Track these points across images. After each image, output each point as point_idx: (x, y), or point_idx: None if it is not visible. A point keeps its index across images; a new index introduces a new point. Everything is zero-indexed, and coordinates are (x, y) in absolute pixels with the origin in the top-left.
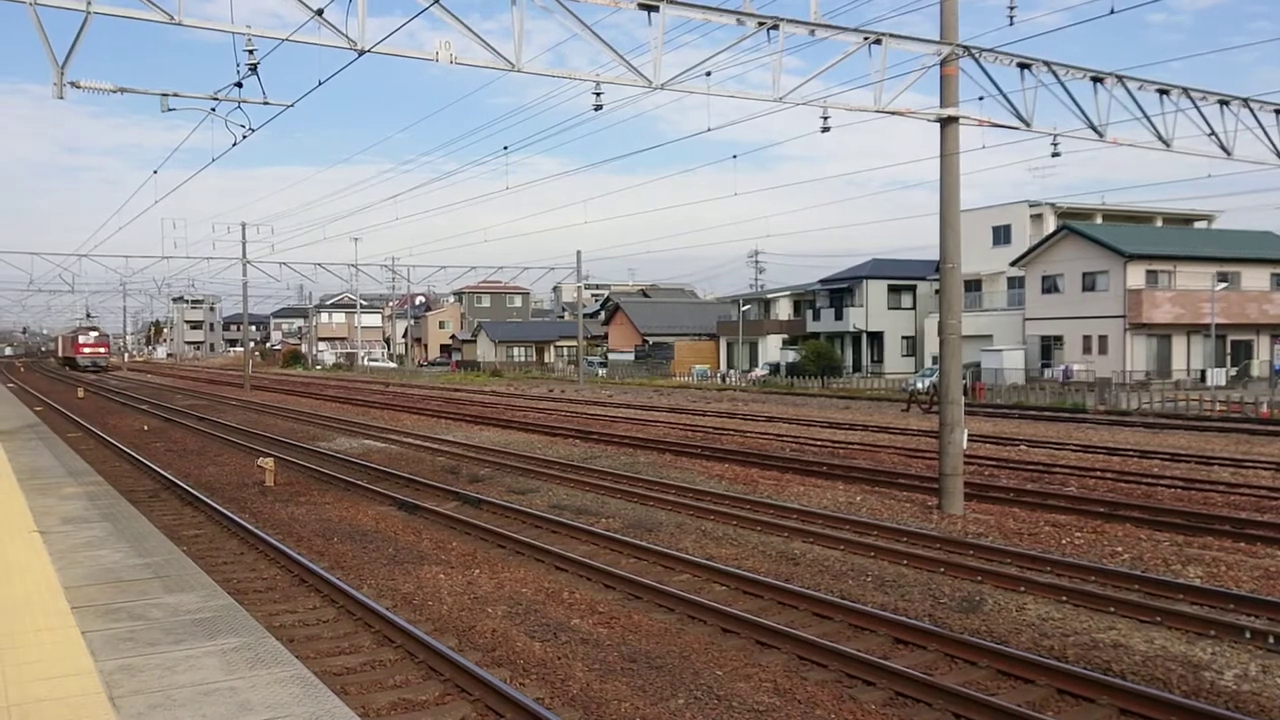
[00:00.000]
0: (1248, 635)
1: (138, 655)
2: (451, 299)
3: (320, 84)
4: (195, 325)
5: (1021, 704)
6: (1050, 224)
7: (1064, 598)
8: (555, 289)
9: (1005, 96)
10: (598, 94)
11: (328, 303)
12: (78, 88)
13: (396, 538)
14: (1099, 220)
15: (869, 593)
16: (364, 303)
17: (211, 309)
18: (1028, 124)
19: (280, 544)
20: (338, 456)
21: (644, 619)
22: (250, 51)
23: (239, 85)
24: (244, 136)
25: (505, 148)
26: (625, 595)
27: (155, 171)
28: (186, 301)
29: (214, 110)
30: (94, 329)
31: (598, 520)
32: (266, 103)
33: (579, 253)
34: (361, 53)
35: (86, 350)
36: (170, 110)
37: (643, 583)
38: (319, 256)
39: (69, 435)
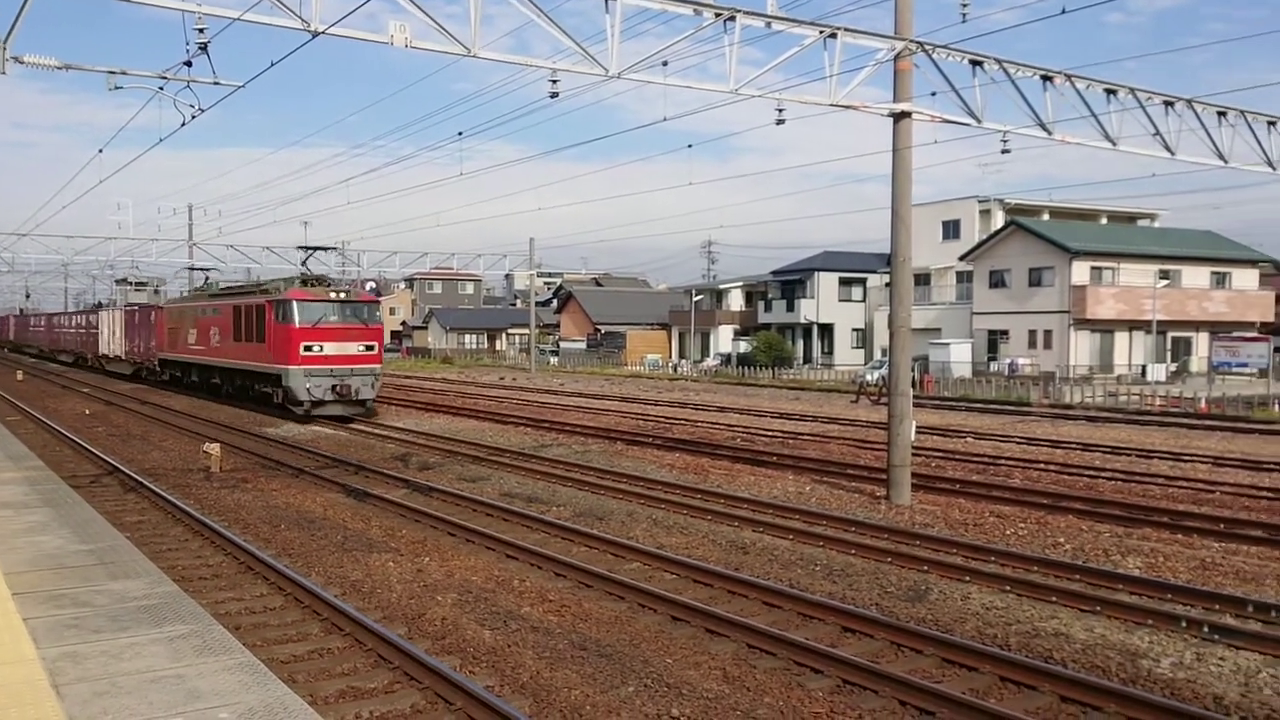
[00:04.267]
0: (1183, 624)
1: (82, 643)
2: (403, 285)
3: (273, 65)
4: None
5: (965, 691)
6: (998, 220)
7: (1008, 587)
8: (508, 276)
9: (957, 93)
10: (554, 81)
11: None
12: (21, 63)
13: (345, 525)
14: (1046, 217)
15: (818, 582)
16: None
17: (156, 292)
18: (979, 120)
19: (226, 531)
20: (285, 443)
21: (594, 607)
22: (200, 30)
23: (188, 64)
24: (193, 117)
25: (460, 133)
26: (576, 584)
27: (100, 150)
28: (130, 284)
29: (162, 89)
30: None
31: (549, 508)
32: (217, 83)
33: (532, 240)
34: (315, 34)
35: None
36: (117, 89)
37: (593, 571)
38: (268, 240)
39: (8, 419)
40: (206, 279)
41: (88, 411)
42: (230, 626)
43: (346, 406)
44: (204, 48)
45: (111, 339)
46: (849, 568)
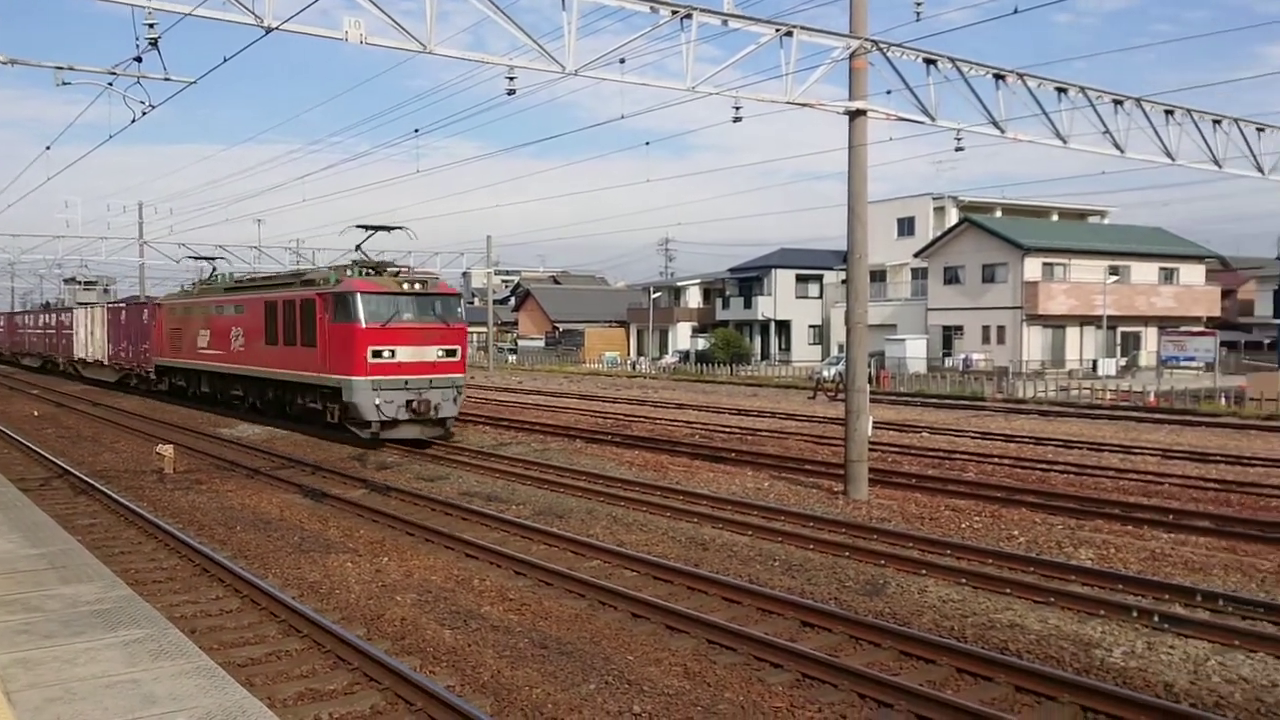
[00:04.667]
0: (1135, 614)
1: (35, 648)
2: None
3: (225, 60)
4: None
5: (923, 684)
6: (952, 217)
7: (963, 580)
8: (465, 274)
9: (912, 91)
10: (511, 78)
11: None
12: None
13: (302, 526)
14: (999, 214)
15: (777, 577)
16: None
17: (106, 291)
18: (933, 118)
19: (181, 533)
20: (240, 443)
21: (555, 605)
22: (151, 25)
23: (138, 60)
24: (144, 113)
25: (416, 130)
26: (536, 582)
27: (48, 148)
28: (79, 283)
29: (111, 85)
30: None
31: (508, 507)
32: (168, 79)
33: (489, 238)
34: (269, 30)
35: None
36: (64, 84)
37: (553, 569)
38: (221, 238)
39: None
40: (214, 270)
41: (36, 413)
42: (186, 630)
43: (424, 428)
44: (154, 43)
45: (90, 341)
46: (807, 562)
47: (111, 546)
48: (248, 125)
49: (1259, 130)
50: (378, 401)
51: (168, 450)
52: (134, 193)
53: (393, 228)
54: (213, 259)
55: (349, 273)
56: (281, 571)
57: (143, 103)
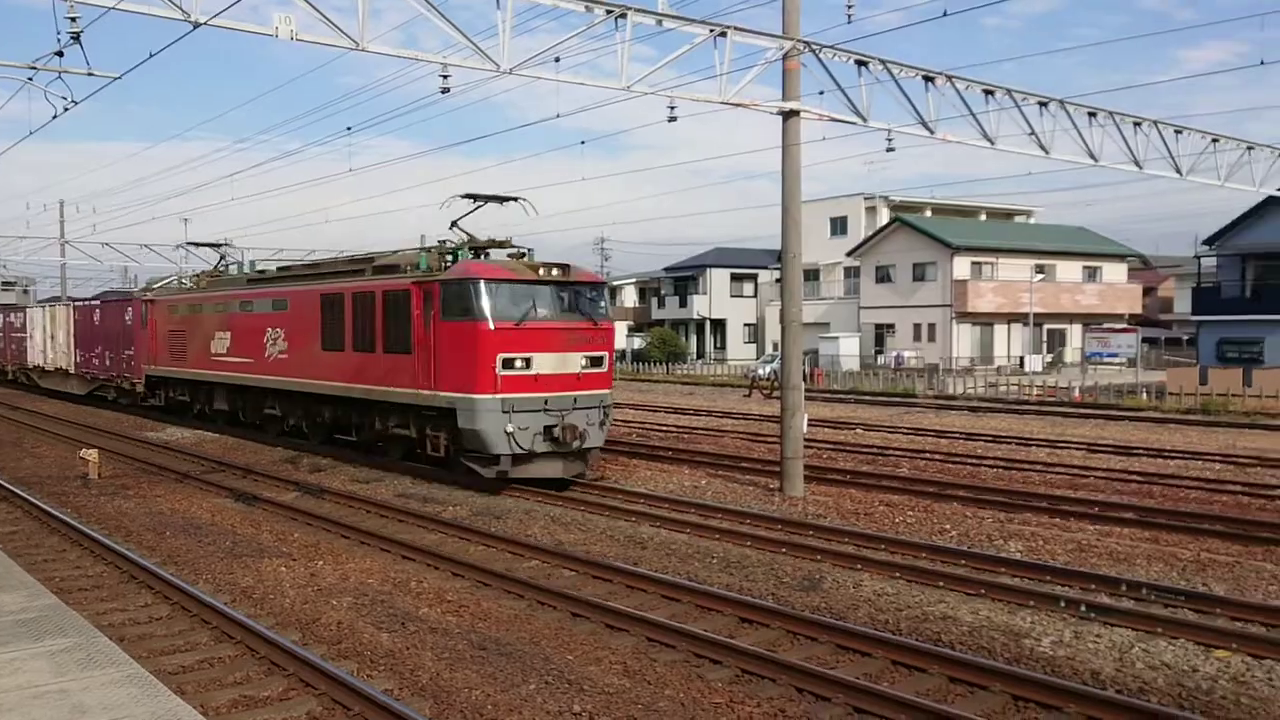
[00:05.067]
0: (1062, 604)
1: None
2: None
3: (151, 56)
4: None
5: (859, 676)
6: (884, 216)
7: (897, 574)
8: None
9: (844, 92)
10: (445, 77)
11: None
12: None
13: (234, 530)
14: (929, 214)
15: (715, 574)
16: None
17: (25, 291)
18: (864, 119)
19: (107, 539)
20: (169, 447)
21: (493, 606)
22: (73, 19)
23: (60, 55)
24: (65, 109)
25: (349, 128)
26: (474, 583)
27: None
28: None
29: (31, 80)
30: None
31: (445, 508)
32: (91, 74)
33: (423, 237)
34: (196, 25)
35: None
36: None
37: (492, 570)
38: (146, 237)
39: None
40: (222, 260)
41: None
42: (115, 638)
43: (567, 463)
44: (77, 37)
45: (49, 346)
46: (745, 559)
47: (34, 554)
48: (174, 122)
49: (1177, 132)
50: (510, 428)
51: (92, 455)
52: (55, 190)
53: (507, 198)
54: (219, 245)
55: (463, 254)
56: (213, 577)
57: (65, 98)
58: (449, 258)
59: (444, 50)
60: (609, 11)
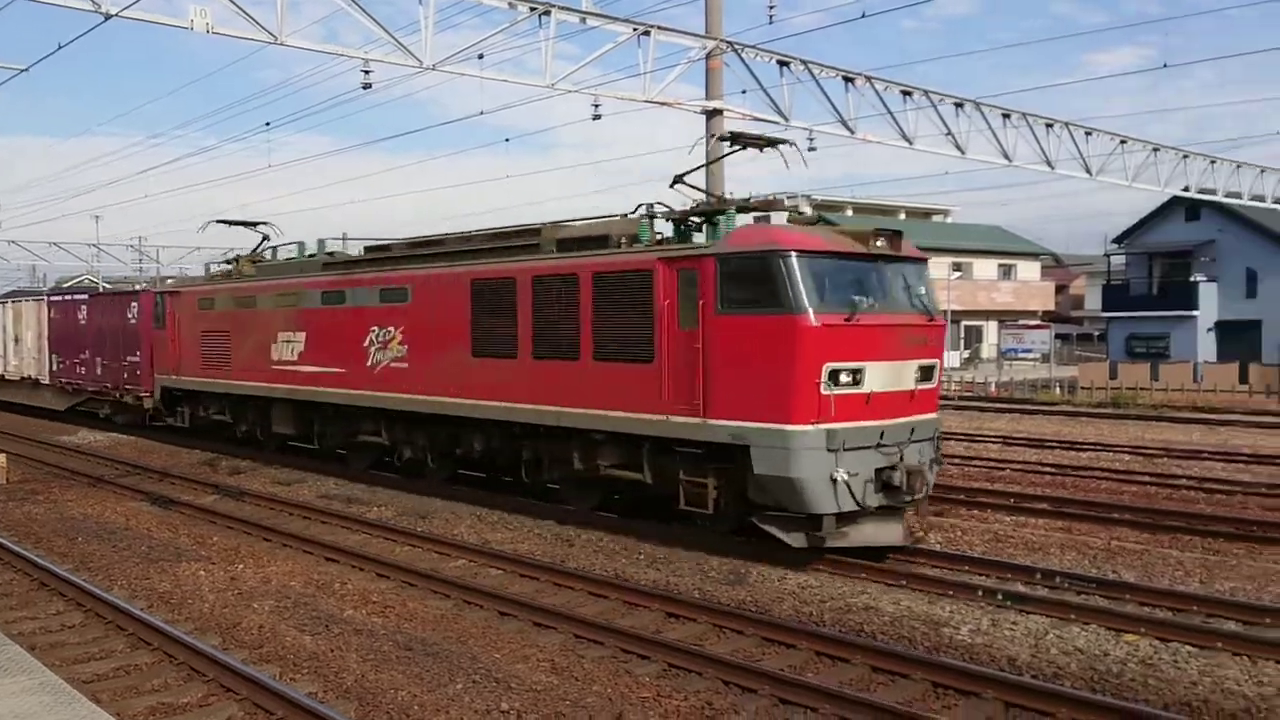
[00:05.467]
0: (980, 594)
1: None
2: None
3: (60, 48)
4: None
5: (784, 668)
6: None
7: (820, 566)
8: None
9: (766, 91)
10: (367, 72)
11: (65, 285)
12: None
13: (151, 534)
14: (850, 213)
15: (642, 571)
16: (107, 285)
17: None
18: (786, 119)
19: (16, 545)
20: (82, 451)
21: (419, 606)
22: None
23: None
24: None
25: (267, 124)
26: (400, 583)
27: None
28: None
29: None
30: None
31: (369, 509)
32: None
33: (345, 235)
34: (108, 16)
35: None
36: None
37: (417, 570)
38: (55, 235)
39: None
40: (265, 242)
41: None
42: (26, 647)
43: (893, 523)
44: None
45: (8, 350)
46: (672, 555)
47: None
48: (85, 116)
49: (1086, 134)
50: (840, 475)
51: None
52: None
53: (776, 141)
54: (255, 224)
55: (728, 220)
56: (129, 583)
57: None
58: (692, 224)
59: (366, 46)
60: (532, 9)
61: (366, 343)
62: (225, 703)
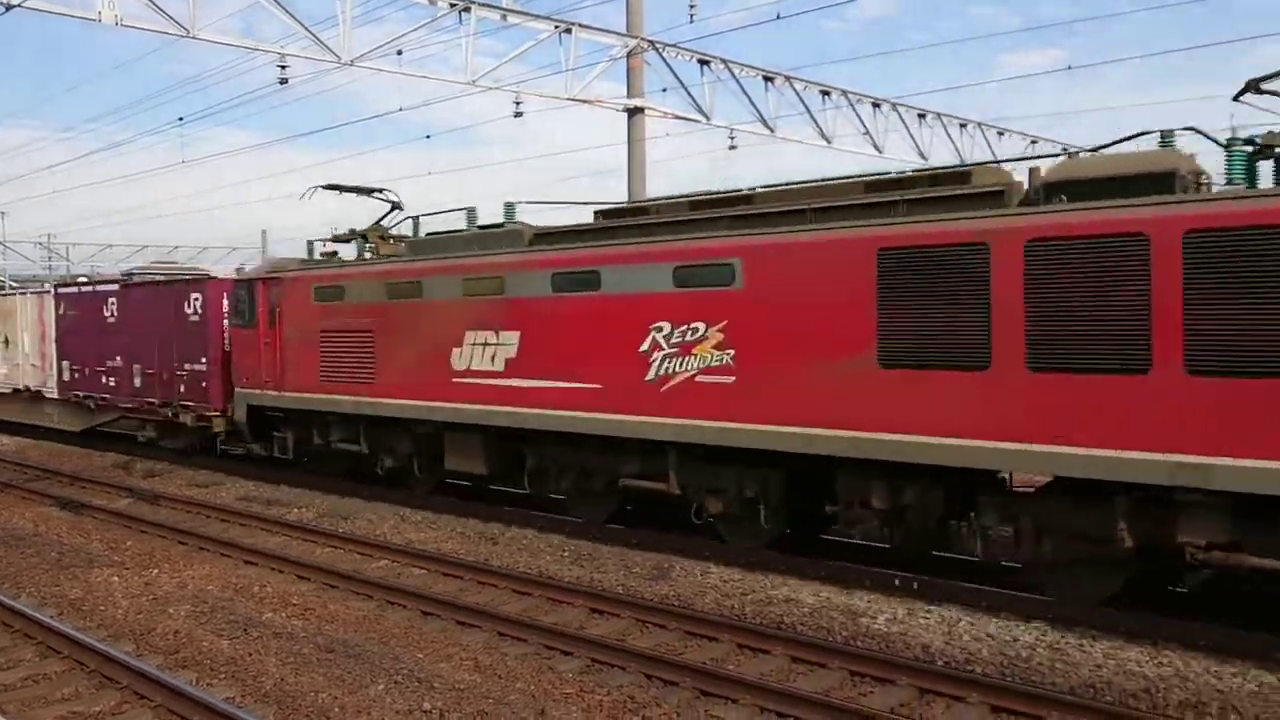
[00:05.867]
0: (896, 583)
1: None
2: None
3: None
4: None
5: (706, 661)
6: None
7: (743, 560)
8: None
9: (687, 90)
10: (284, 67)
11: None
12: None
13: (61, 540)
14: None
15: (565, 568)
16: (14, 285)
17: None
18: (707, 117)
19: None
20: None
21: (341, 608)
22: None
23: None
24: None
25: (181, 119)
26: (321, 585)
27: None
28: None
29: None
30: None
31: (290, 510)
32: None
33: (264, 232)
34: (9, 6)
35: None
36: None
37: (339, 571)
38: None
39: None
40: (395, 207)
41: None
42: None
43: None
44: None
45: (11, 352)
46: (596, 552)
47: None
48: None
49: (999, 134)
50: None
51: None
52: None
53: (368, 191)
54: (374, 190)
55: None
56: (38, 590)
57: None
58: None
59: (283, 40)
60: (453, 5)
61: (645, 346)
62: (139, 710)
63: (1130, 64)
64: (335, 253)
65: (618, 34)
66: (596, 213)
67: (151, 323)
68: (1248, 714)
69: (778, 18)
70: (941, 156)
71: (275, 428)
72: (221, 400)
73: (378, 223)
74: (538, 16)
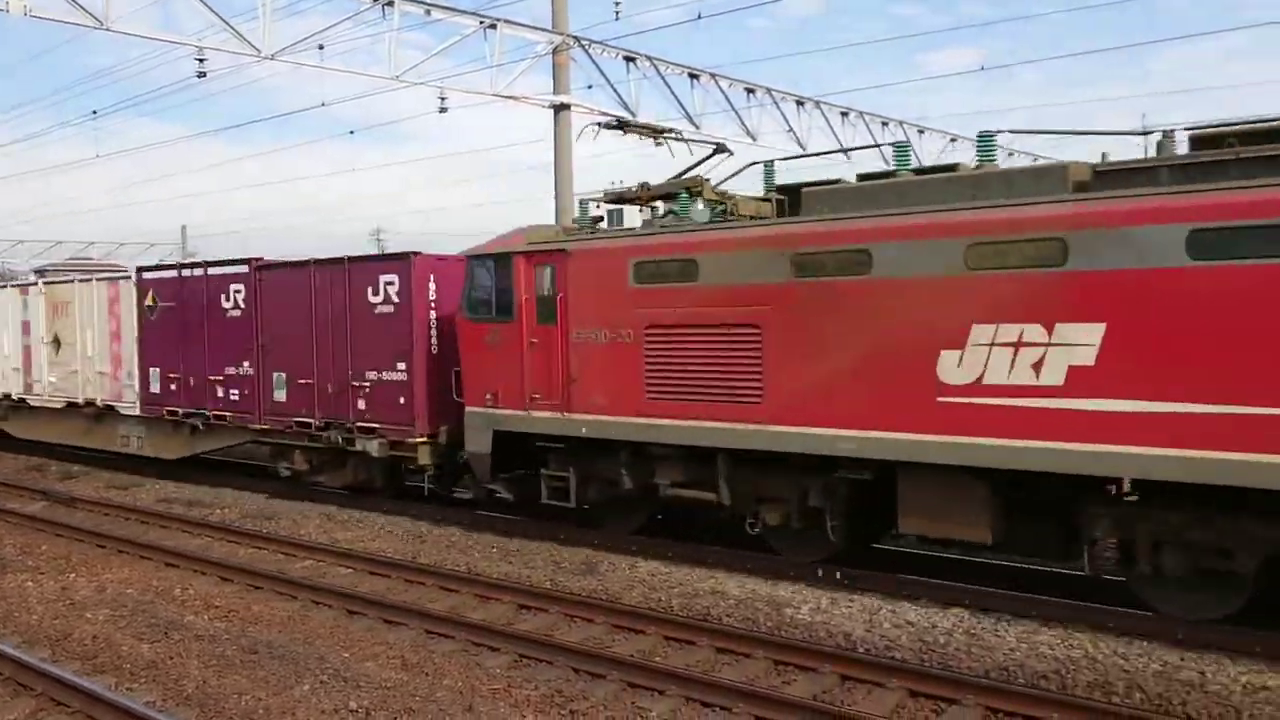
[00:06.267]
0: (820, 574)
1: None
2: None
3: None
4: None
5: (633, 654)
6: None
7: (670, 554)
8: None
9: (613, 87)
10: (201, 60)
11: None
12: None
13: None
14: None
15: (494, 564)
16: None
17: None
18: (633, 114)
19: None
20: None
21: (265, 609)
22: None
23: None
24: None
25: (94, 112)
26: (244, 586)
27: None
28: None
29: None
30: None
31: (212, 511)
32: None
33: (184, 228)
34: None
35: None
36: None
37: (263, 572)
38: None
39: None
40: (719, 149)
41: None
42: None
43: None
44: None
45: (48, 359)
46: (525, 548)
47: None
48: None
49: (920, 131)
50: None
51: None
52: None
53: None
54: (668, 132)
55: None
56: None
57: None
58: None
59: (202, 32)
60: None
61: None
62: (56, 716)
63: (1046, 64)
64: (602, 217)
65: (543, 30)
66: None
67: (309, 315)
68: (1151, 692)
69: (699, 17)
70: (863, 153)
71: (536, 462)
72: (430, 421)
73: (683, 173)
74: (462, 12)
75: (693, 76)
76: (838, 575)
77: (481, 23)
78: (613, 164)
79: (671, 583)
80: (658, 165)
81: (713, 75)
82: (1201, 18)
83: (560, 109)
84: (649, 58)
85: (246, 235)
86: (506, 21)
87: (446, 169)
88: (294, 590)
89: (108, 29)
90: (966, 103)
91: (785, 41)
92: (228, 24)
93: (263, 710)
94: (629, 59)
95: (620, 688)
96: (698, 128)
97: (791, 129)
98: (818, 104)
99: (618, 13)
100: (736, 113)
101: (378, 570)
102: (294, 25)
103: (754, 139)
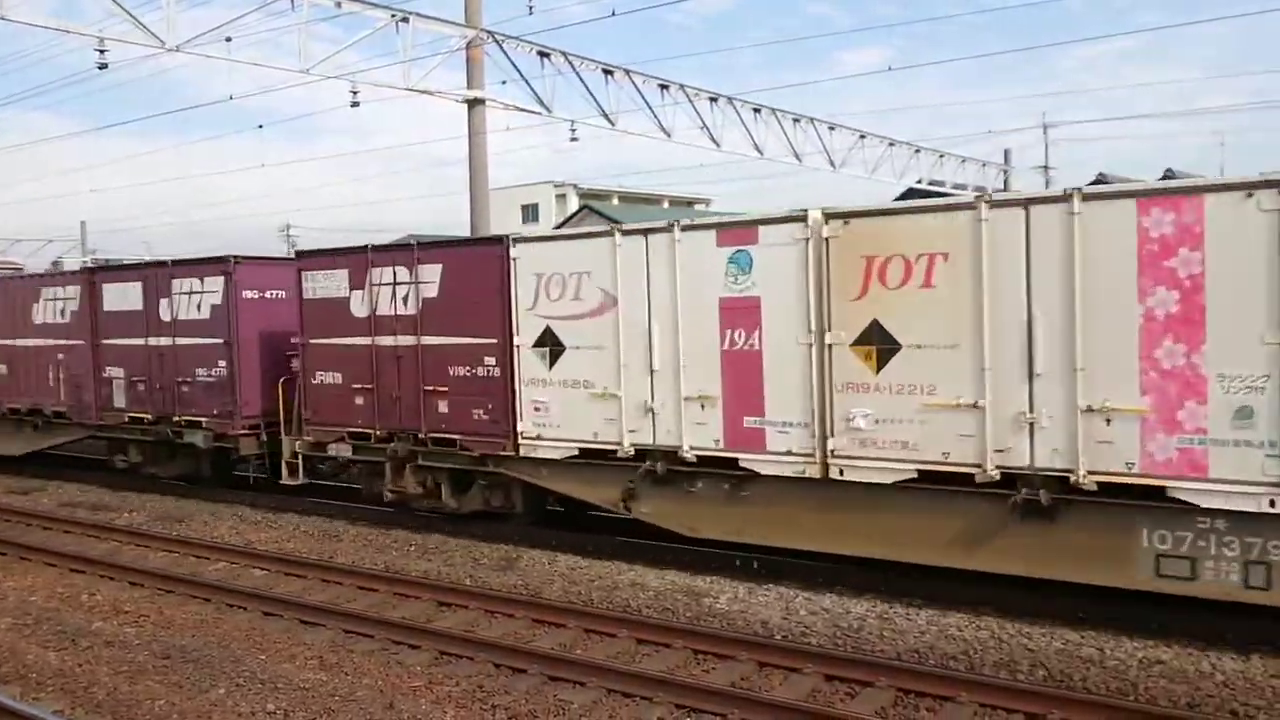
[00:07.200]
0: (738, 564)
1: None
2: None
3: None
4: None
5: (553, 647)
6: (574, 204)
7: (589, 547)
8: (55, 264)
9: (528, 82)
10: (103, 51)
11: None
12: None
13: None
14: (616, 201)
15: (412, 562)
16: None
17: None
18: (548, 109)
19: None
20: None
21: (177, 613)
22: None
23: None
24: None
25: None
26: (155, 590)
27: None
28: None
29: None
30: None
31: (119, 514)
32: None
33: (84, 224)
34: None
35: None
36: None
37: (175, 575)
38: None
39: None
40: None
41: None
42: None
43: None
44: None
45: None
46: (444, 545)
47: None
48: None
49: (830, 129)
50: None
51: None
52: None
53: None
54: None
55: None
56: None
57: None
58: None
59: (103, 22)
60: None
61: None
62: None
63: (950, 64)
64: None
65: (456, 24)
66: None
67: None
68: (1054, 669)
69: (613, 14)
70: (776, 150)
71: None
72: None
73: None
74: (374, 5)
75: (607, 72)
76: (755, 565)
77: (393, 16)
78: (534, 157)
79: (591, 576)
80: (573, 161)
81: (627, 71)
82: (1098, 21)
83: (474, 104)
84: (564, 53)
85: (150, 231)
86: (419, 15)
87: (359, 165)
88: (207, 593)
89: (2, 18)
90: (878, 100)
91: (701, 39)
92: (129, 14)
93: (177, 715)
94: (543, 54)
95: (541, 681)
96: (613, 123)
97: (705, 125)
98: (730, 101)
99: (531, 8)
100: (651, 109)
101: (293, 571)
102: (198, 15)
103: (668, 135)
